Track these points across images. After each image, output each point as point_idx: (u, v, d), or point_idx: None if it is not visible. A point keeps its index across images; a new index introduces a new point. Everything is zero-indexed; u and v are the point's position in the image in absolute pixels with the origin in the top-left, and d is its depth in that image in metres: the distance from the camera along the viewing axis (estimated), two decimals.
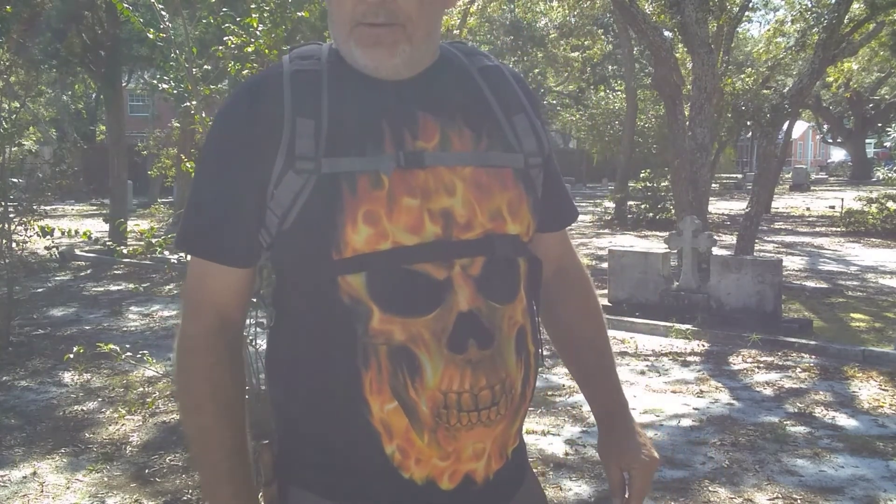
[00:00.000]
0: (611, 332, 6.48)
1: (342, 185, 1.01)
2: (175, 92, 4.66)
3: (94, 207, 20.91)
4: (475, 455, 1.05)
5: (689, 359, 5.94)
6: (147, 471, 3.86)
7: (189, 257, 1.16)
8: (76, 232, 4.59)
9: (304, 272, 1.05)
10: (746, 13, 18.19)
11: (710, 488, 3.64)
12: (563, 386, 5.09)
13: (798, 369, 5.64)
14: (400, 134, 1.05)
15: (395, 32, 1.03)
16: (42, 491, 3.64)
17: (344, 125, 1.04)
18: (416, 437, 1.01)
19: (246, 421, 1.13)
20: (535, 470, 1.43)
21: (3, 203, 6.38)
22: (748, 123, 17.98)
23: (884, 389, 5.15)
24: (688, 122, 8.91)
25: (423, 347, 1.00)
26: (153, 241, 4.17)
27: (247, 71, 4.24)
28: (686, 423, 4.53)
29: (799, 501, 3.52)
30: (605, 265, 7.82)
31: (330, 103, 1.05)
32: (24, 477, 3.80)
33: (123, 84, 16.61)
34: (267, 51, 4.15)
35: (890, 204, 14.53)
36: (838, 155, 44.71)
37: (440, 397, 1.00)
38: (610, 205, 17.82)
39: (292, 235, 1.04)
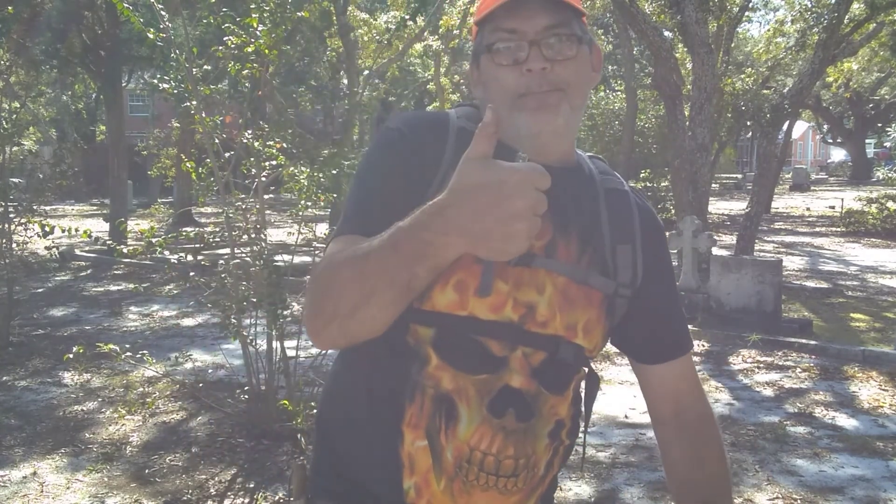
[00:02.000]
0: None
1: None
2: (175, 92, 4.64)
3: (94, 207, 20.92)
4: None
5: None
6: (147, 471, 3.86)
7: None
8: (76, 231, 4.59)
9: None
10: (746, 13, 18.18)
11: None
12: None
13: (798, 369, 5.64)
14: None
15: (557, 95, 1.09)
16: (42, 491, 3.64)
17: None
18: (434, 481, 1.05)
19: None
20: None
21: (3, 203, 6.38)
22: (748, 123, 17.96)
23: (884, 389, 5.15)
24: (688, 122, 8.91)
25: (465, 401, 1.05)
26: (153, 241, 4.17)
27: (247, 71, 4.24)
28: None
29: (799, 501, 3.52)
30: None
31: None
32: (24, 477, 3.80)
33: (123, 84, 16.60)
34: (267, 51, 4.14)
35: (890, 204, 14.54)
36: (838, 155, 44.67)
37: (466, 451, 1.05)
38: None
39: None
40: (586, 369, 1.18)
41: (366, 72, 14.70)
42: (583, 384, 1.19)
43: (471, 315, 1.04)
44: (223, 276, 4.17)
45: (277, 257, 4.35)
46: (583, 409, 1.20)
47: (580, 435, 1.21)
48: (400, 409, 1.05)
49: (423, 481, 1.05)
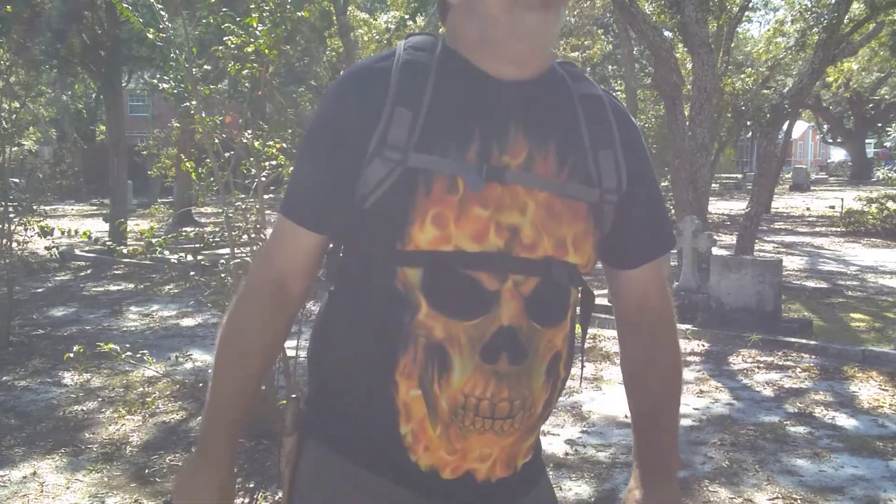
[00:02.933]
0: (610, 332, 6.42)
1: (419, 182, 1.03)
2: (175, 92, 4.65)
3: (94, 207, 20.92)
4: (481, 458, 1.08)
5: (689, 359, 5.94)
6: (147, 471, 3.86)
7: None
8: (76, 232, 4.59)
9: (369, 253, 1.08)
10: (746, 13, 18.17)
11: (710, 488, 3.64)
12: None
13: (798, 369, 5.64)
14: (488, 145, 1.06)
15: None
16: (42, 491, 3.64)
17: (439, 122, 1.06)
18: (430, 427, 1.06)
19: (262, 381, 1.22)
20: None
21: (3, 203, 6.38)
22: (748, 123, 17.96)
23: (884, 389, 5.15)
24: (688, 122, 8.91)
25: (458, 349, 1.03)
26: (153, 241, 4.17)
27: (247, 71, 4.24)
28: (686, 422, 4.53)
29: (799, 501, 3.52)
30: None
31: (432, 97, 1.07)
32: (24, 477, 3.80)
33: (123, 84, 16.60)
34: (267, 51, 4.14)
35: (890, 204, 14.53)
36: (838, 155, 44.66)
37: (461, 398, 1.04)
38: None
39: (368, 216, 1.06)
40: (580, 290, 1.15)
41: None
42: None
43: (457, 249, 1.03)
44: (223, 276, 4.17)
45: None
46: (579, 324, 1.19)
47: (575, 377, 1.20)
48: (393, 359, 1.04)
49: (419, 428, 1.06)
